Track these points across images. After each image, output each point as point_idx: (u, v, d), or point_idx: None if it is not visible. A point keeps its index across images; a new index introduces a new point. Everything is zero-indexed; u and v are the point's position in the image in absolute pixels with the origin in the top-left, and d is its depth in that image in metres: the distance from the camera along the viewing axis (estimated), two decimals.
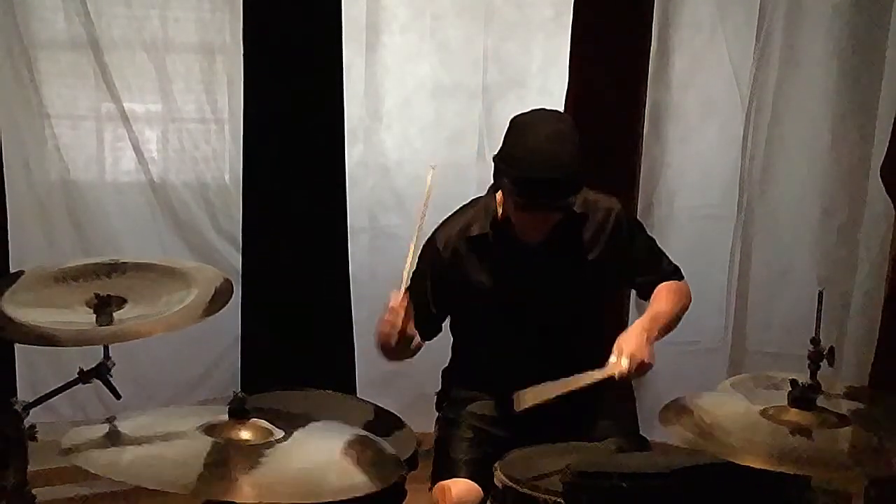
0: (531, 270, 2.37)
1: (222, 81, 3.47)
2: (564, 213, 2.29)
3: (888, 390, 2.89)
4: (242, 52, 3.33)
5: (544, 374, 2.31)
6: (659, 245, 2.55)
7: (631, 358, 2.17)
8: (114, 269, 2.25)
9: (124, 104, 3.35)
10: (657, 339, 2.26)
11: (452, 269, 2.39)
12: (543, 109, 2.34)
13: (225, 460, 1.75)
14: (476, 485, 2.25)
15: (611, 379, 2.17)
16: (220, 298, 2.16)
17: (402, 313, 2.17)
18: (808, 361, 1.90)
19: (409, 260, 2.23)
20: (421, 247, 2.30)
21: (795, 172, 3.53)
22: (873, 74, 3.33)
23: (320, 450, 1.88)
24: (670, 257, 2.54)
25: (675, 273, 2.50)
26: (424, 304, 2.36)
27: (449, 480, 2.26)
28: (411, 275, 2.25)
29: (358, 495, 1.72)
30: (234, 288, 2.26)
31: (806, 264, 3.54)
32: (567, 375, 2.23)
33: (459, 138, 3.69)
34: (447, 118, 3.67)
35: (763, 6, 3.49)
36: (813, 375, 1.88)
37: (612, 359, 2.18)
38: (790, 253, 3.57)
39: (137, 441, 1.81)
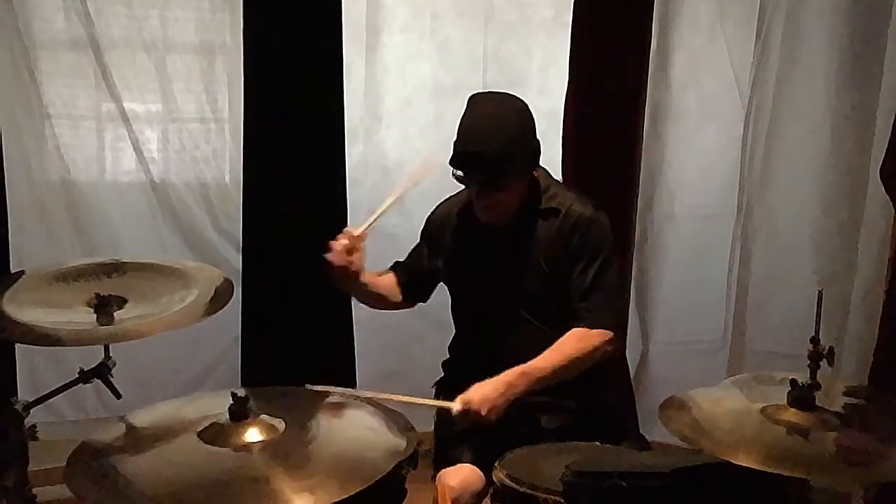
0: (485, 255, 2.43)
1: (222, 81, 3.48)
2: (502, 193, 2.32)
3: (888, 390, 2.89)
4: (242, 52, 3.33)
5: (516, 354, 2.33)
6: (610, 280, 2.36)
7: (466, 405, 2.17)
8: (114, 268, 2.26)
9: (124, 104, 3.36)
10: (522, 393, 2.22)
11: (438, 239, 2.53)
12: (499, 92, 2.41)
13: (258, 473, 1.66)
14: (479, 470, 2.26)
15: (446, 412, 2.21)
16: (220, 298, 2.16)
17: (346, 242, 2.29)
18: (807, 361, 1.90)
19: (378, 212, 2.37)
20: (386, 212, 2.39)
21: (795, 172, 3.53)
22: (873, 74, 3.33)
23: (339, 429, 1.88)
24: (609, 297, 2.37)
25: (598, 318, 2.32)
26: (417, 264, 2.56)
27: (453, 467, 2.28)
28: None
29: (401, 458, 1.70)
30: (234, 288, 2.27)
31: (806, 264, 3.53)
32: (512, 359, 2.32)
33: None
34: (447, 118, 3.64)
35: (763, 6, 3.50)
36: (812, 375, 1.88)
37: (459, 397, 2.20)
38: (790, 253, 3.57)
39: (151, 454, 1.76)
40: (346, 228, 2.33)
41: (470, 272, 2.47)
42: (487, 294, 2.44)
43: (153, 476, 1.68)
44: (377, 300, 2.54)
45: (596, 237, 2.36)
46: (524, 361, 2.34)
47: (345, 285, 2.40)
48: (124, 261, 2.30)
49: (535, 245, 2.39)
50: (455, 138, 2.31)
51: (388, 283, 2.55)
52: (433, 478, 2.30)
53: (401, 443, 1.73)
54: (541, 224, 2.39)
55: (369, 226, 2.34)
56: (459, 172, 2.31)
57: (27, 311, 2.05)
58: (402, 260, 2.62)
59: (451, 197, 2.57)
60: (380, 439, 1.81)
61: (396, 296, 2.56)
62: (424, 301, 2.62)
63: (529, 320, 2.41)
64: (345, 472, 1.64)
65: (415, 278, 2.56)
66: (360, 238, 2.32)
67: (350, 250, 2.30)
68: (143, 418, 1.93)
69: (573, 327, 2.32)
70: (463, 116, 2.33)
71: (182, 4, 3.39)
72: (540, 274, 2.38)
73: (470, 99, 2.36)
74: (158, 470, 1.70)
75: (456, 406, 2.19)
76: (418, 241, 2.60)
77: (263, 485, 1.62)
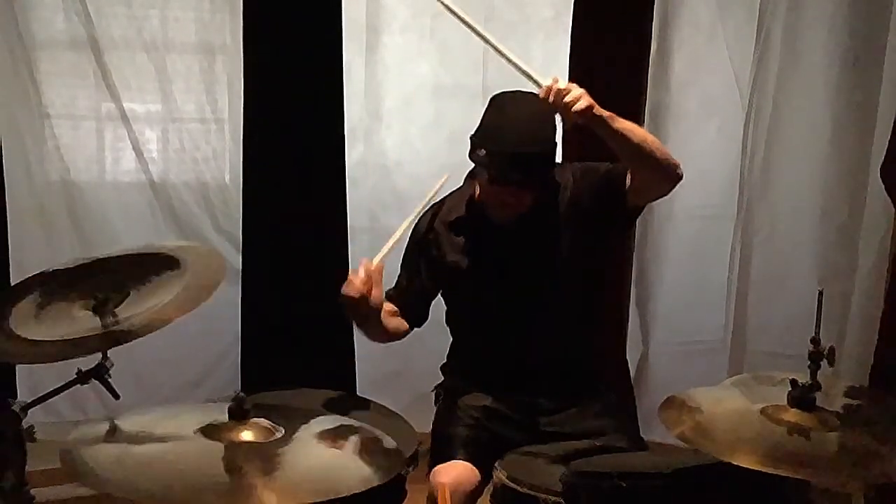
0: (504, 252, 2.38)
1: (222, 81, 3.48)
2: (534, 191, 2.29)
3: (888, 390, 2.88)
4: (242, 52, 3.33)
5: (521, 357, 2.33)
6: None
7: (570, 87, 2.07)
8: (101, 266, 2.21)
9: (124, 104, 3.36)
10: (604, 121, 2.12)
11: (433, 250, 2.44)
12: (524, 91, 2.34)
13: (238, 466, 1.71)
14: (473, 467, 2.24)
15: (536, 83, 2.10)
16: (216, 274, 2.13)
17: (362, 278, 2.18)
18: (808, 361, 1.90)
19: (392, 239, 2.30)
20: (407, 236, 2.36)
21: (795, 172, 3.53)
22: (873, 74, 3.33)
23: (324, 447, 1.87)
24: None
25: None
26: (411, 285, 2.45)
27: (447, 463, 2.26)
28: (401, 262, 2.40)
29: (373, 485, 1.70)
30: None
31: (806, 264, 3.53)
32: (544, 359, 2.34)
33: (459, 138, 3.63)
34: (447, 118, 3.67)
35: (763, 6, 3.50)
36: (813, 375, 1.88)
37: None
38: (790, 252, 3.56)
39: (141, 449, 1.78)
40: (362, 259, 2.22)
41: (491, 270, 2.39)
42: (516, 288, 2.38)
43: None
44: (388, 336, 2.42)
45: (600, 165, 2.39)
46: (542, 362, 2.34)
47: (362, 322, 2.31)
48: (103, 257, 2.24)
49: (553, 228, 2.37)
50: (487, 139, 2.25)
51: (396, 319, 2.43)
52: (427, 474, 2.28)
53: (374, 475, 1.73)
54: (549, 207, 2.37)
55: (385, 255, 2.24)
56: (495, 174, 2.25)
57: (34, 330, 2.02)
58: (391, 288, 2.47)
59: (433, 207, 2.48)
60: (358, 468, 1.80)
61: (403, 326, 2.44)
62: (425, 321, 2.51)
63: (569, 305, 2.39)
64: (311, 485, 1.68)
65: (414, 302, 2.46)
66: (378, 270, 2.21)
67: (368, 283, 2.18)
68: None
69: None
70: (494, 117, 2.27)
71: (182, 4, 3.39)
72: (570, 247, 2.35)
73: (500, 99, 2.31)
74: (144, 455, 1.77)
75: (562, 83, 2.07)
76: (405, 260, 2.47)
77: (238, 476, 1.69)
